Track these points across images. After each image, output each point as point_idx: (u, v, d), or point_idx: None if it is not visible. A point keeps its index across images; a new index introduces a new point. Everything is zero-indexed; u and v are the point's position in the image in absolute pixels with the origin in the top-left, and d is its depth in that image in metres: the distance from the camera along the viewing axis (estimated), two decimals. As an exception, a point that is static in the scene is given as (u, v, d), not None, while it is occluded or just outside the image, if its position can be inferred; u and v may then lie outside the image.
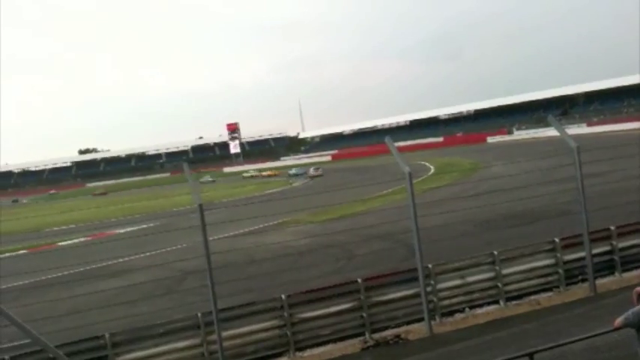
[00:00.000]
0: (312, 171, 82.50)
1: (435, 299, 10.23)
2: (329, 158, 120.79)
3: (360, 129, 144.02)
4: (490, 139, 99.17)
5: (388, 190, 33.51)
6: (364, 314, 9.86)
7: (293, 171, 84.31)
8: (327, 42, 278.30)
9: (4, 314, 6.53)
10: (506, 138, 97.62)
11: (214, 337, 9.01)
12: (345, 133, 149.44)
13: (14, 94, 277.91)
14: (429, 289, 10.05)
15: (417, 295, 9.96)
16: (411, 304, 10.06)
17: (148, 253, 22.82)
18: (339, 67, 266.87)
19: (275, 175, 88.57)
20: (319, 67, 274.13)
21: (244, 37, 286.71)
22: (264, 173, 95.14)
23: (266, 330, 9.55)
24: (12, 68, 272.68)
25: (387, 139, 10.34)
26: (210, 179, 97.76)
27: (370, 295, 9.95)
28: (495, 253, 10.75)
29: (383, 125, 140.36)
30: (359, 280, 9.97)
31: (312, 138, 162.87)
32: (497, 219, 19.30)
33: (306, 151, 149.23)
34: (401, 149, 10.19)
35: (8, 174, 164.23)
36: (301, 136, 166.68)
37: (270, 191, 56.17)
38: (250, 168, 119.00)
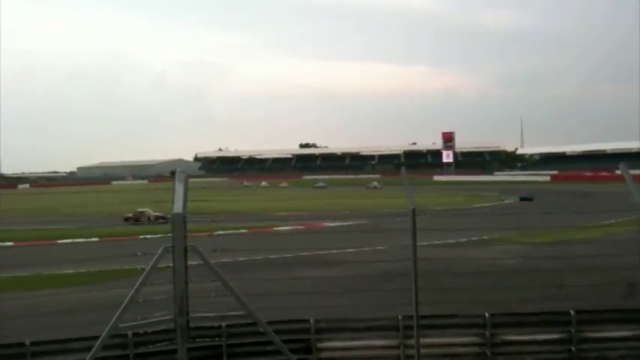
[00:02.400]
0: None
1: (656, 346, 9.21)
2: (548, 178, 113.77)
3: (586, 151, 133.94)
4: None
5: (611, 221, 30.76)
6: (573, 348, 9.22)
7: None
8: (557, 58, 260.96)
9: (227, 286, 7.21)
10: None
11: (412, 341, 9.02)
12: (568, 153, 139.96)
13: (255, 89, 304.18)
14: (651, 333, 9.08)
15: (635, 338, 9.09)
16: (628, 347, 9.21)
17: (352, 249, 23.68)
18: (567, 85, 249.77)
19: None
20: (545, 82, 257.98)
21: (469, 45, 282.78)
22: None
23: (465, 345, 9.38)
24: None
25: (622, 166, 9.50)
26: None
27: (583, 330, 9.28)
28: None
29: (613, 150, 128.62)
30: (571, 312, 9.37)
31: (531, 155, 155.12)
32: None
33: (523, 169, 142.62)
34: (634, 178, 9.27)
35: (237, 159, 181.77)
36: (519, 152, 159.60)
37: (480, 205, 54.82)
38: (461, 179, 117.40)
